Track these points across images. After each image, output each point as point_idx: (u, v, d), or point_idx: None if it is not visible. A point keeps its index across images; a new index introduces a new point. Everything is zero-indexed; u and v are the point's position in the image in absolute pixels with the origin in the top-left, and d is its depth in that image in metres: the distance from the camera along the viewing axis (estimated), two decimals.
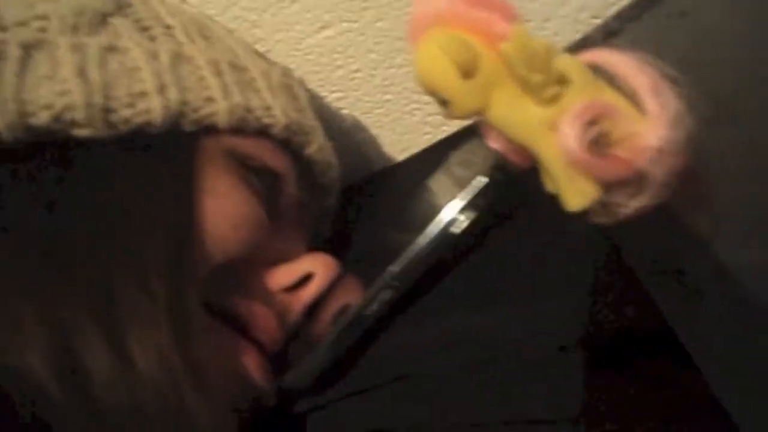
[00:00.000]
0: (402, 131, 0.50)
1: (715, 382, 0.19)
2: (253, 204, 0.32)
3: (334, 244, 0.40)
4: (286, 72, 0.39)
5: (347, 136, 0.50)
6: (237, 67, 0.35)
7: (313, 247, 0.37)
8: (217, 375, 0.28)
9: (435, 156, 0.45)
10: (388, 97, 0.48)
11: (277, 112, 0.34)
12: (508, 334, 0.26)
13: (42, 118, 0.28)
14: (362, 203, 0.46)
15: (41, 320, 0.25)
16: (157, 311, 0.26)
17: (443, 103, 0.28)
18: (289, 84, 0.38)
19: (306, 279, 0.34)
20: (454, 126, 0.49)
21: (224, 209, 0.30)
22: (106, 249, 0.26)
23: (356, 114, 0.49)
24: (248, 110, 0.33)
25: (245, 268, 0.32)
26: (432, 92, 0.28)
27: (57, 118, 0.28)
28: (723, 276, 0.21)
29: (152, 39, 0.33)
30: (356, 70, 0.47)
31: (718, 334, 0.20)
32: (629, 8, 0.37)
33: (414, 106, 0.49)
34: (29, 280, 0.25)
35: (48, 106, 0.28)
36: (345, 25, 0.46)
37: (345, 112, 0.49)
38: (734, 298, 0.20)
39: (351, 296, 0.33)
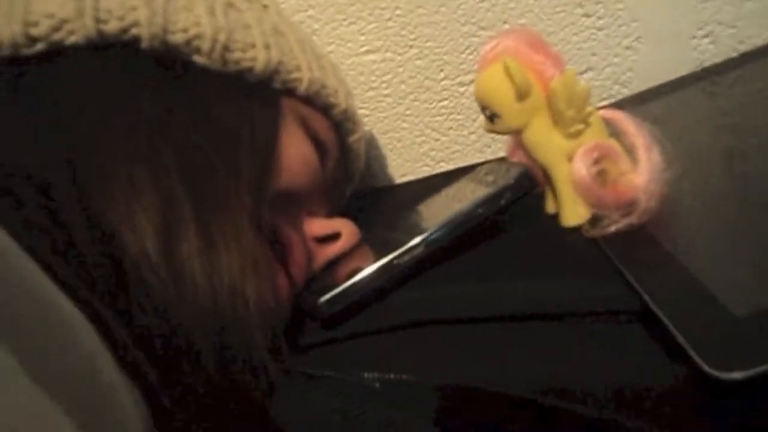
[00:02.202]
0: (407, 158, 0.57)
1: None
2: (313, 153, 0.38)
3: None
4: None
5: None
6: (315, 52, 0.42)
7: None
8: (268, 287, 0.33)
9: (429, 186, 0.53)
10: (405, 125, 0.56)
11: (341, 96, 0.41)
12: (516, 300, 0.32)
13: (178, 39, 0.33)
14: (365, 208, 0.52)
15: (155, 186, 0.29)
16: (240, 212, 0.31)
17: (491, 117, 0.36)
18: (344, 79, 0.45)
19: (333, 237, 0.39)
20: (450, 165, 0.57)
21: (297, 149, 0.36)
22: (212, 154, 0.32)
23: (374, 132, 0.57)
24: (323, 86, 0.40)
25: (295, 207, 0.37)
26: (488, 105, 0.36)
27: (188, 42, 0.34)
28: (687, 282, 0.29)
29: (260, 8, 0.39)
30: (386, 95, 0.55)
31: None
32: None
33: (423, 139, 0.57)
34: (152, 154, 0.30)
35: (184, 30, 0.33)
36: (389, 54, 0.54)
37: (366, 128, 0.56)
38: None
39: (364, 262, 0.38)
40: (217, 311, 0.30)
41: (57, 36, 0.31)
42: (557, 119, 0.35)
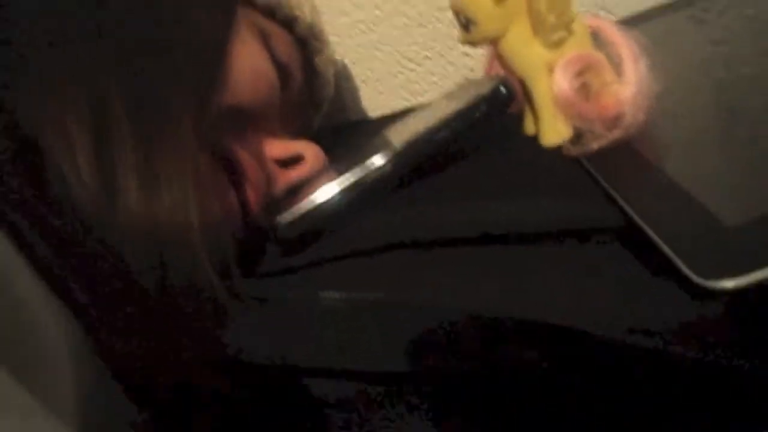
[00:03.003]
0: (381, 90, 0.54)
1: None
2: (271, 68, 0.35)
3: None
4: None
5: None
6: None
7: None
8: (214, 206, 0.30)
9: None
10: (379, 54, 0.53)
11: (306, 11, 0.38)
12: (493, 220, 0.30)
13: None
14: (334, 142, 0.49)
15: (88, 94, 0.26)
16: (182, 125, 0.28)
17: (467, 24, 0.33)
18: None
19: (297, 161, 0.37)
20: (428, 98, 0.54)
21: (251, 61, 0.33)
22: (150, 56, 0.28)
23: (346, 62, 0.53)
24: (289, 2, 0.36)
25: (249, 126, 0.34)
26: (463, 10, 0.32)
27: None
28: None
29: None
30: (359, 21, 0.52)
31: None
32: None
33: (399, 69, 0.53)
34: (85, 56, 0.27)
35: None
36: None
37: (336, 57, 0.53)
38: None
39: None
40: (157, 230, 0.27)
41: None
42: (537, 25, 0.32)
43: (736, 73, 0.37)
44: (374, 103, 0.55)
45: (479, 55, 0.52)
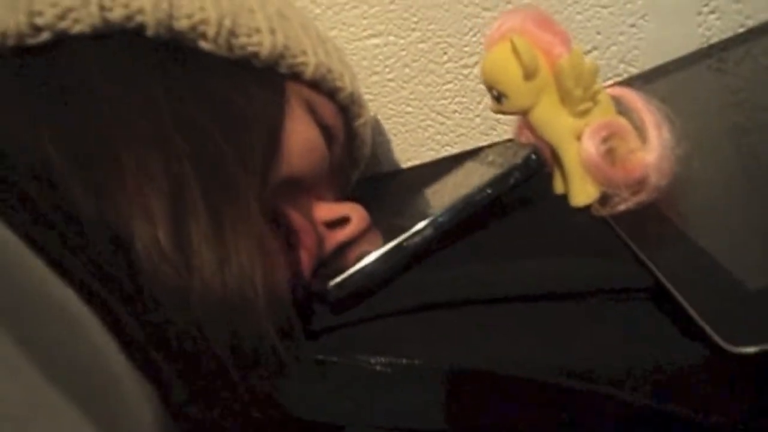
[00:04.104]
0: (412, 143, 0.57)
1: None
2: (320, 137, 0.38)
3: None
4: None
5: None
6: (320, 36, 0.41)
7: None
8: (277, 272, 0.32)
9: (434, 171, 0.53)
10: (409, 109, 0.56)
11: (347, 80, 0.41)
12: (526, 281, 0.32)
13: (183, 25, 0.33)
14: (371, 194, 0.52)
15: (165, 172, 0.29)
16: (248, 198, 0.31)
17: (498, 98, 0.36)
18: (349, 63, 0.45)
19: (342, 221, 0.39)
20: (455, 149, 0.57)
21: (303, 134, 0.36)
22: (220, 139, 0.31)
23: (378, 117, 0.56)
24: (329, 70, 0.39)
25: (302, 191, 0.37)
26: (495, 85, 0.35)
27: (193, 28, 0.33)
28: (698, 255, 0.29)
29: None
30: (390, 80, 0.55)
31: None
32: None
33: (429, 122, 0.56)
34: (161, 139, 0.30)
35: (189, 16, 0.33)
36: (392, 38, 0.53)
37: (370, 113, 0.56)
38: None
39: (374, 246, 0.38)
40: (227, 297, 0.30)
41: (62, 25, 0.31)
42: (565, 98, 0.35)
43: (758, 127, 0.39)
44: (405, 154, 0.58)
45: None
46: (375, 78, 0.55)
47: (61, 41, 0.31)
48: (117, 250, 0.28)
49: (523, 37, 0.34)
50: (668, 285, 0.29)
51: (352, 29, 0.53)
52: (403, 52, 0.54)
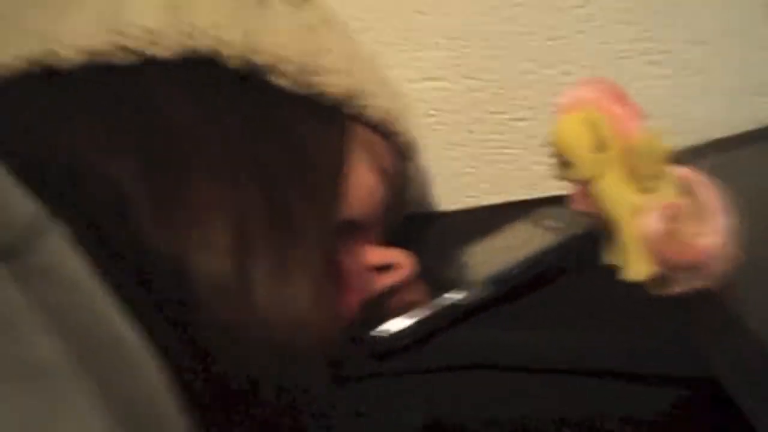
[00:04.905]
0: (454, 187, 0.57)
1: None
2: (379, 181, 0.38)
3: None
4: None
5: None
6: (385, 80, 0.42)
7: None
8: (331, 317, 0.32)
9: (473, 217, 0.53)
10: (454, 154, 0.56)
11: (407, 125, 0.41)
12: (572, 354, 0.32)
13: (264, 60, 0.33)
14: (409, 233, 0.52)
15: (234, 203, 0.29)
16: (312, 239, 0.31)
17: (565, 164, 0.36)
18: (407, 107, 0.45)
19: (390, 267, 0.39)
20: (496, 198, 0.57)
21: (365, 177, 0.37)
22: (289, 175, 0.31)
23: (424, 159, 0.56)
24: (392, 114, 0.40)
25: (357, 235, 0.37)
26: (563, 153, 0.35)
27: (273, 64, 0.34)
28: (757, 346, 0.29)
29: (337, 32, 0.39)
30: (439, 123, 0.55)
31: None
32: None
33: (470, 170, 0.56)
34: (233, 170, 0.30)
35: (271, 52, 0.33)
36: (447, 84, 0.54)
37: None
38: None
39: (418, 296, 0.38)
40: (281, 337, 0.29)
41: (150, 50, 0.31)
42: (633, 174, 0.35)
43: None
44: (446, 198, 0.58)
45: (547, 163, 0.55)
46: (426, 120, 0.55)
47: (145, 65, 0.31)
48: (178, 278, 0.28)
49: (597, 108, 0.34)
50: (727, 378, 0.29)
51: (408, 71, 0.54)
52: (457, 99, 0.54)
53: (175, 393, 0.26)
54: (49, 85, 0.30)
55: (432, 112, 0.55)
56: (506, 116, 0.54)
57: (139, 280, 0.27)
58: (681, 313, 0.33)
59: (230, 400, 0.28)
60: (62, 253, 0.20)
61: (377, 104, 0.38)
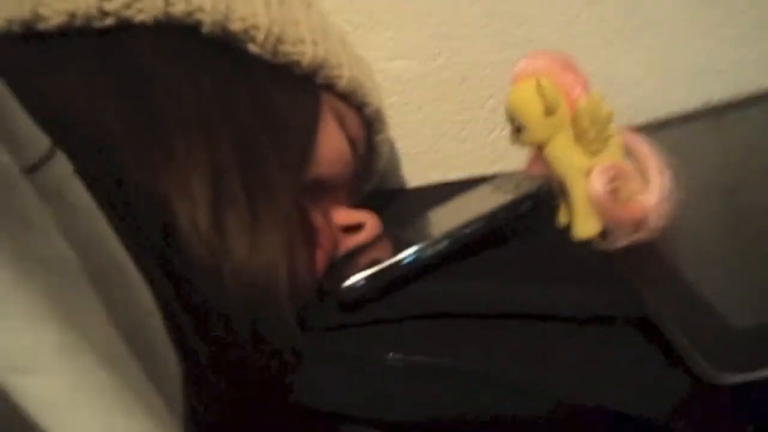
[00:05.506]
0: (421, 163, 0.60)
1: None
2: (347, 146, 0.40)
3: None
4: None
5: None
6: (354, 53, 0.44)
7: None
8: (300, 267, 0.35)
9: (438, 192, 0.56)
10: (423, 131, 0.59)
11: (375, 97, 0.44)
12: (526, 301, 0.35)
13: (237, 27, 0.35)
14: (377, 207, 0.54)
15: (210, 159, 0.31)
16: (283, 195, 0.33)
17: (518, 129, 0.39)
18: (377, 81, 0.47)
19: (356, 227, 0.42)
20: (461, 173, 0.60)
21: (334, 141, 0.39)
22: (262, 136, 0.34)
23: (392, 135, 0.59)
24: (360, 85, 0.42)
25: (325, 195, 0.39)
26: (516, 117, 0.38)
27: (245, 31, 0.36)
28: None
29: (306, 6, 0.42)
30: (406, 103, 0.58)
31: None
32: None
33: (439, 146, 0.59)
34: (209, 129, 0.32)
35: (243, 19, 0.36)
36: (414, 63, 0.56)
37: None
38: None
39: (383, 254, 0.40)
40: (254, 281, 0.31)
41: (127, 12, 0.33)
42: (580, 137, 0.38)
43: (747, 180, 0.43)
44: (413, 174, 0.60)
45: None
46: (394, 99, 0.58)
47: (124, 27, 0.33)
48: (160, 225, 0.30)
49: (547, 76, 0.37)
50: (661, 315, 0.32)
51: (377, 50, 0.56)
52: (424, 78, 0.57)
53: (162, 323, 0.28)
54: (35, 43, 0.32)
55: (401, 90, 0.57)
56: (472, 95, 0.57)
57: (126, 218, 0.29)
58: (622, 263, 0.36)
59: (209, 336, 0.30)
60: (68, 178, 0.21)
61: (345, 75, 0.41)
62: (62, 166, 0.21)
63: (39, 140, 0.19)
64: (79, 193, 0.22)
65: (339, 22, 0.55)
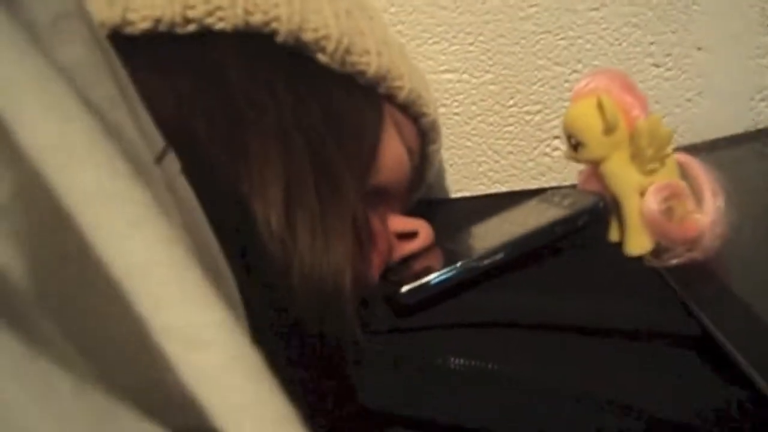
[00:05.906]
0: (465, 175, 0.61)
1: None
2: (406, 155, 0.41)
3: None
4: None
5: None
6: (413, 65, 0.45)
7: None
8: (361, 273, 0.36)
9: (481, 204, 0.57)
10: (468, 144, 0.60)
11: (432, 108, 0.45)
12: (581, 315, 0.36)
13: (309, 37, 0.37)
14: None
15: (284, 162, 0.33)
16: (350, 201, 0.35)
17: (575, 146, 0.40)
18: (433, 93, 0.49)
19: (411, 235, 0.43)
20: (505, 187, 0.60)
21: (395, 150, 0.40)
22: (331, 143, 0.35)
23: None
24: (419, 96, 0.43)
25: (382, 202, 0.41)
26: (575, 134, 0.39)
27: (317, 41, 0.37)
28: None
29: (369, 18, 0.43)
30: (455, 114, 0.59)
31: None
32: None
33: (484, 159, 0.60)
34: (283, 133, 0.34)
35: (315, 30, 0.37)
36: (465, 76, 0.57)
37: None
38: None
39: (435, 263, 0.41)
40: (321, 283, 0.33)
41: (209, 20, 0.35)
42: (637, 156, 0.38)
43: None
44: (458, 185, 0.61)
45: (558, 155, 0.58)
46: (442, 110, 0.59)
47: (205, 34, 0.35)
48: (237, 223, 0.32)
49: (607, 95, 0.38)
50: (716, 333, 0.32)
51: (430, 62, 0.57)
52: (474, 91, 0.58)
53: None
54: (121, 47, 0.33)
55: (449, 102, 0.58)
56: (519, 109, 0.58)
57: (212, 216, 0.30)
58: (675, 281, 0.36)
59: (283, 331, 0.31)
60: (178, 174, 0.22)
61: (406, 86, 0.42)
62: (174, 162, 0.22)
63: (157, 137, 0.21)
64: (186, 189, 0.23)
65: (393, 34, 0.57)
